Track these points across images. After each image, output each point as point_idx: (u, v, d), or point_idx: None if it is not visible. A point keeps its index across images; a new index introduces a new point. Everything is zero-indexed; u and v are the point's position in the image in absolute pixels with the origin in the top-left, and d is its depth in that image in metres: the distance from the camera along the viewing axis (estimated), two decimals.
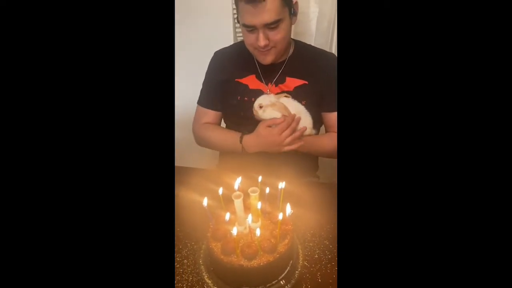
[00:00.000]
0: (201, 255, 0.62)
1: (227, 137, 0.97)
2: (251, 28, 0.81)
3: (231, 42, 1.47)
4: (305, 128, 0.87)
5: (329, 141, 0.96)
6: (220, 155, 1.15)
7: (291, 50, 0.95)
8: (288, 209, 0.56)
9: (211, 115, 1.04)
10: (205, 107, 1.04)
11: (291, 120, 0.84)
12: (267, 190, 0.59)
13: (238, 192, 0.56)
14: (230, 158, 1.02)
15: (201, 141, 1.05)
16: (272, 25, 0.79)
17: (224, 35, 1.47)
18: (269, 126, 0.86)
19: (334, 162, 1.41)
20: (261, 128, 0.87)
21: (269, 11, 0.77)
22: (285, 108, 0.85)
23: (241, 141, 0.92)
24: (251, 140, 0.90)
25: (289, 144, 0.85)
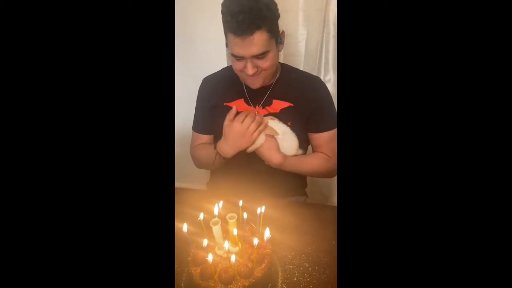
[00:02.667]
0: (183, 279, 0.64)
1: (208, 151, 1.01)
2: (239, 58, 0.85)
3: (225, 62, 1.52)
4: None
5: (316, 160, 0.99)
6: (211, 172, 1.18)
7: (277, 74, 0.99)
8: (267, 233, 0.59)
9: (203, 138, 1.08)
10: (198, 132, 1.09)
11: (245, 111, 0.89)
12: (245, 215, 0.61)
13: (216, 219, 0.58)
14: (219, 174, 1.05)
15: (197, 163, 1.10)
16: (259, 56, 0.83)
17: (223, 53, 1.52)
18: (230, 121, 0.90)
19: (324, 179, 1.43)
20: (224, 127, 0.91)
21: (257, 44, 0.81)
22: (269, 128, 0.89)
23: (215, 148, 0.95)
24: (222, 144, 0.94)
25: (256, 130, 0.89)
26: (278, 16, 0.86)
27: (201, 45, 1.53)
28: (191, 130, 1.13)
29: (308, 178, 1.16)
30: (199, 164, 1.08)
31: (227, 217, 0.58)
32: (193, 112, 1.12)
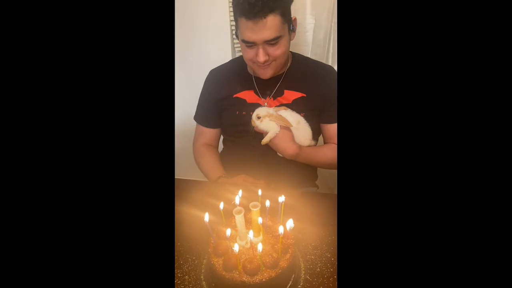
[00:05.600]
0: (203, 271, 0.61)
1: (208, 171, 1.01)
2: (250, 44, 0.82)
3: (229, 52, 1.49)
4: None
5: (328, 152, 0.97)
6: (223, 165, 1.15)
7: (289, 63, 0.96)
8: (290, 223, 0.56)
9: (208, 133, 1.06)
10: (202, 125, 1.06)
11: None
12: (268, 203, 0.59)
13: (239, 208, 0.56)
14: (232, 167, 1.03)
15: (197, 164, 1.09)
16: (272, 42, 0.80)
17: (223, 46, 1.49)
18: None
19: (330, 171, 1.42)
20: (238, 181, 0.92)
21: (270, 28, 0.78)
22: (283, 119, 0.86)
23: (216, 180, 0.96)
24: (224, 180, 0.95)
25: None
26: (291, 0, 0.83)
27: (201, 39, 1.50)
28: (193, 125, 1.10)
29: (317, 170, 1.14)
30: (198, 167, 1.07)
31: (250, 206, 0.56)
32: (195, 107, 1.09)
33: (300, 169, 1.00)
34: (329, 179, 1.58)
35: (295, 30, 0.89)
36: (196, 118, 1.08)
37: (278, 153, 0.92)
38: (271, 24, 0.77)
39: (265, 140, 0.88)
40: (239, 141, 1.00)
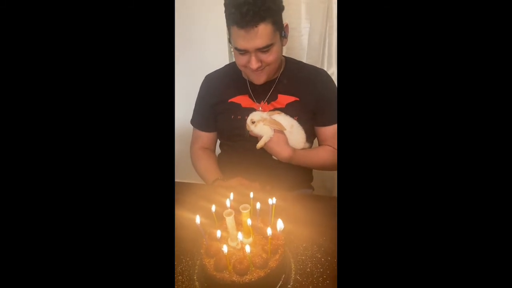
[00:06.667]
0: (196, 271, 0.63)
1: (205, 174, 1.03)
2: (243, 52, 0.84)
3: (227, 56, 1.51)
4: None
5: (323, 153, 0.99)
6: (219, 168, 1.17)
7: (282, 68, 0.98)
8: (280, 224, 0.58)
9: (205, 137, 1.08)
10: (199, 129, 1.08)
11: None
12: (258, 205, 0.61)
13: (229, 210, 0.58)
14: (227, 170, 1.05)
15: (194, 167, 1.11)
16: (264, 49, 0.82)
17: (221, 50, 1.51)
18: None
19: (328, 172, 1.43)
20: (234, 184, 0.94)
21: (261, 36, 0.80)
22: (276, 123, 0.88)
23: (213, 183, 0.97)
24: (221, 184, 0.97)
25: None
26: (282, 9, 0.85)
27: (200, 42, 1.52)
28: (191, 129, 1.12)
29: (313, 172, 1.16)
30: (196, 170, 1.10)
31: (240, 208, 0.58)
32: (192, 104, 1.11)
33: (295, 171, 1.01)
34: (327, 180, 1.60)
35: (287, 36, 0.91)
36: (192, 122, 1.10)
37: (273, 156, 0.94)
38: (262, 32, 0.79)
39: (259, 144, 0.90)
40: (235, 145, 1.02)
